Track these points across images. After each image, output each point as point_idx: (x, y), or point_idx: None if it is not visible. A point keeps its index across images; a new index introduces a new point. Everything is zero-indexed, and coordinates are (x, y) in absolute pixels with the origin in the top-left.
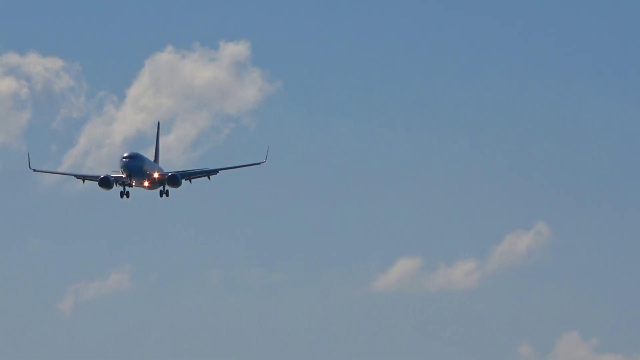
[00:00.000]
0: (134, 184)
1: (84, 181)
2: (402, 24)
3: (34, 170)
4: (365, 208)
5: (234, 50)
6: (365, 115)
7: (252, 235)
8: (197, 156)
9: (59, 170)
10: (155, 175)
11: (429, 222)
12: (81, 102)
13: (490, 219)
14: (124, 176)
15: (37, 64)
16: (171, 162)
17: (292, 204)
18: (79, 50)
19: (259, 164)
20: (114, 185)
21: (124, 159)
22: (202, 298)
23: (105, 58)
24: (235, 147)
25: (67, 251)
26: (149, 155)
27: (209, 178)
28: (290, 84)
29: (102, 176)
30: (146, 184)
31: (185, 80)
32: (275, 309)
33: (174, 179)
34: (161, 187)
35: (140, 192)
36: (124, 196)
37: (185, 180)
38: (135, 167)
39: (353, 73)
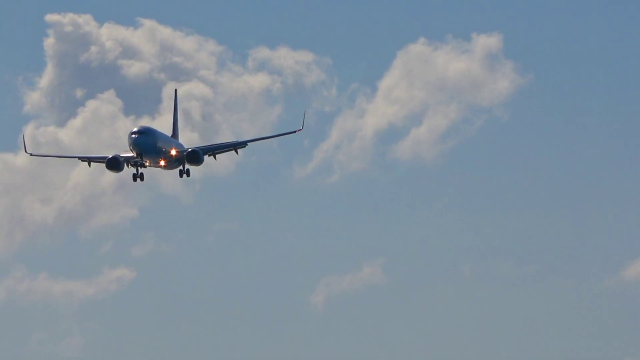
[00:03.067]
0: (147, 163)
1: (89, 164)
2: None
3: (31, 155)
4: (618, 202)
5: (487, 42)
6: (617, 112)
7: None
8: (448, 148)
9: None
10: (173, 152)
11: None
12: (332, 96)
13: None
14: (134, 155)
15: (288, 58)
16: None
17: (552, 197)
18: (329, 43)
19: (294, 132)
20: (125, 166)
21: (133, 135)
22: (455, 292)
23: (356, 51)
24: (487, 139)
25: (319, 243)
26: (166, 129)
27: (236, 152)
28: (542, 77)
29: (109, 157)
30: (162, 163)
31: (437, 72)
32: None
33: (194, 156)
34: (180, 166)
35: (156, 173)
36: (138, 178)
37: (209, 156)
38: (147, 144)
39: (606, 68)
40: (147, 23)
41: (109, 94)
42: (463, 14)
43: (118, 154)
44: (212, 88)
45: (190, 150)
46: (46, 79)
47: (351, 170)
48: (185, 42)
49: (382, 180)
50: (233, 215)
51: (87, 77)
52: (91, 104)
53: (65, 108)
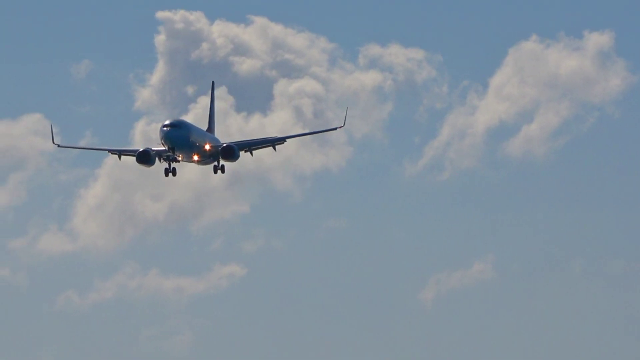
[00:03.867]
0: (180, 158)
1: (120, 157)
2: None
3: (58, 146)
4: None
5: (599, 40)
6: None
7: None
8: (559, 145)
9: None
10: (207, 147)
11: None
12: (443, 93)
13: None
14: (166, 149)
15: (400, 55)
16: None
17: None
18: (441, 40)
19: (335, 129)
20: (156, 160)
21: (165, 128)
22: (565, 290)
23: (468, 48)
24: (598, 136)
25: (428, 241)
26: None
27: (274, 148)
28: None
29: (140, 150)
30: (195, 158)
31: (548, 69)
32: None
33: (229, 151)
34: (215, 162)
35: (190, 169)
36: (170, 174)
37: (245, 152)
38: (180, 138)
39: None
40: (259, 20)
41: (221, 91)
42: (575, 11)
43: (150, 147)
44: (323, 85)
45: (225, 145)
46: (157, 75)
47: (461, 167)
48: (297, 39)
49: (492, 178)
50: (343, 212)
51: (198, 73)
52: (203, 101)
53: (176, 104)
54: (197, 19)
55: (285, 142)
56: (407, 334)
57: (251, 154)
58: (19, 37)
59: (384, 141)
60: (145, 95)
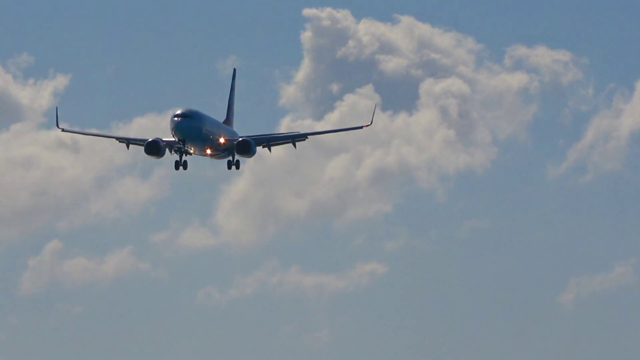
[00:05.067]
0: (192, 151)
1: (128, 146)
2: None
3: (62, 130)
4: None
5: None
6: None
7: None
8: None
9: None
10: (221, 140)
11: None
12: (589, 95)
13: None
14: (177, 141)
15: (546, 57)
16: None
17: None
18: (587, 43)
19: (361, 127)
20: (167, 152)
21: (176, 118)
22: None
23: (614, 51)
24: None
25: (570, 243)
26: (219, 115)
27: (294, 145)
28: None
29: (149, 140)
30: (208, 151)
31: None
32: None
33: (245, 146)
34: (230, 157)
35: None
36: (180, 167)
37: (263, 147)
38: (192, 129)
39: None
40: (405, 19)
41: (368, 89)
42: None
43: (160, 137)
44: (469, 85)
45: (240, 139)
46: (302, 72)
47: (605, 170)
48: (444, 39)
49: (636, 181)
50: (485, 213)
51: (344, 71)
52: (349, 98)
53: (321, 102)
54: (343, 16)
55: (306, 139)
56: (546, 337)
57: (269, 149)
58: (168, 33)
59: (527, 143)
60: (290, 92)
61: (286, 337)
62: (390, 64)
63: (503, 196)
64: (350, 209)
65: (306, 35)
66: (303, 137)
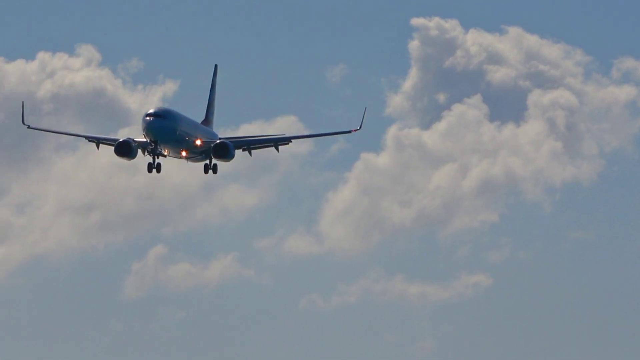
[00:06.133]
0: (166, 153)
1: (98, 146)
2: None
3: (28, 127)
4: None
5: None
6: None
7: None
8: None
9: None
10: (197, 142)
11: None
12: None
13: None
14: (149, 141)
15: None
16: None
17: None
18: None
19: (349, 132)
20: (138, 153)
21: (147, 118)
22: None
23: None
24: None
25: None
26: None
27: (276, 149)
28: None
29: (120, 140)
30: (184, 153)
31: None
32: None
33: (223, 149)
34: (207, 160)
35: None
36: (153, 169)
37: (243, 150)
38: (164, 130)
39: None
40: (513, 30)
41: (476, 99)
42: None
43: (131, 138)
44: (577, 97)
45: (218, 142)
46: (410, 82)
47: None
48: (552, 51)
49: None
50: (591, 225)
51: (452, 81)
52: (457, 108)
53: (428, 111)
54: (452, 27)
55: (290, 143)
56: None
57: (250, 153)
58: (278, 40)
59: (634, 155)
60: (396, 101)
61: (389, 346)
62: (498, 75)
63: (609, 209)
64: (456, 219)
65: (414, 45)
66: (286, 140)
